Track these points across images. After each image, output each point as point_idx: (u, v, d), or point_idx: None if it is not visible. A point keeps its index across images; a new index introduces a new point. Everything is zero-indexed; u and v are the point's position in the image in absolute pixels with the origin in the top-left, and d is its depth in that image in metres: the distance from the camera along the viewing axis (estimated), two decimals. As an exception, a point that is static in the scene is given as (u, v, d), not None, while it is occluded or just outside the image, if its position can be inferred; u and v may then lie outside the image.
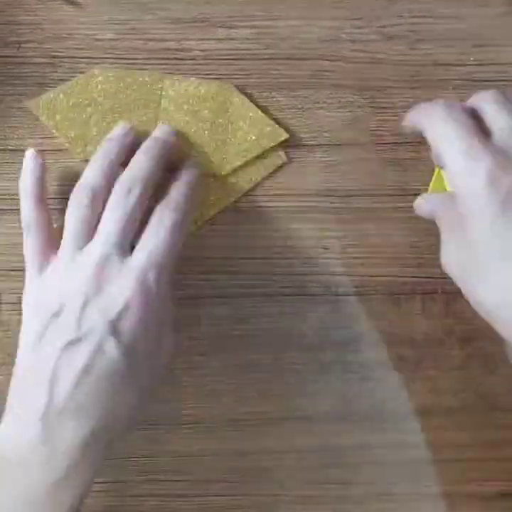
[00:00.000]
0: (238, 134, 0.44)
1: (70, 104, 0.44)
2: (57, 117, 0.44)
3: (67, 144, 0.45)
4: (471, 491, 0.46)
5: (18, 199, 0.45)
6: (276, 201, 0.45)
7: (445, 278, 0.37)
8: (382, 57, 0.45)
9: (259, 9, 0.45)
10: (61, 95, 0.44)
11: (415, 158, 0.45)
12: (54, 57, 0.45)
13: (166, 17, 0.45)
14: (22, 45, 0.44)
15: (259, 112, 0.44)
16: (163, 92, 0.44)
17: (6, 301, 0.45)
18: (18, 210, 0.45)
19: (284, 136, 0.45)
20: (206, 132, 0.44)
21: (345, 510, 0.46)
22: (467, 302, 0.35)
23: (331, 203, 0.45)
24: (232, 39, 0.45)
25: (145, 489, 0.46)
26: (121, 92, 0.44)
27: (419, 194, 0.45)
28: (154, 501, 0.46)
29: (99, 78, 0.44)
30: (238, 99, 0.44)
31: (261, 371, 0.46)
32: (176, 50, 0.45)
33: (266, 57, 0.45)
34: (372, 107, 0.45)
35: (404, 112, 0.45)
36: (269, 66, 0.45)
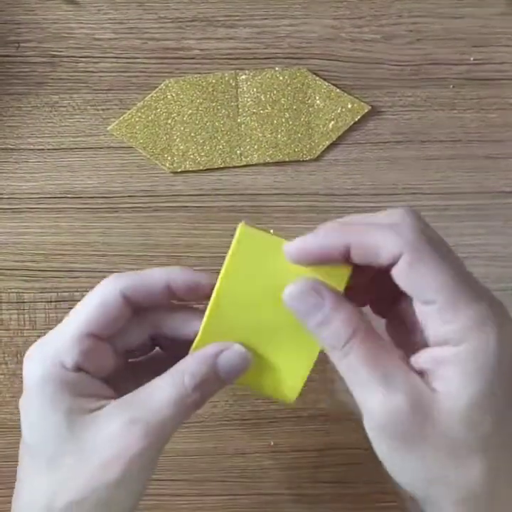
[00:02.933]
0: (321, 115, 0.45)
1: (149, 119, 0.45)
2: (139, 136, 0.45)
3: (154, 160, 0.45)
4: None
5: (18, 198, 0.45)
6: (275, 201, 0.46)
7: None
8: (382, 56, 0.45)
9: (259, 8, 0.45)
10: (139, 113, 0.45)
11: (415, 157, 0.45)
12: (53, 56, 0.45)
13: (166, 16, 0.45)
14: (21, 45, 0.44)
15: (338, 90, 0.45)
16: (239, 89, 0.45)
17: (6, 300, 0.45)
18: (18, 208, 0.45)
19: (367, 108, 0.45)
20: (289, 121, 0.45)
21: (343, 510, 0.46)
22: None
23: (331, 202, 0.45)
24: (231, 38, 0.45)
25: (144, 488, 0.46)
26: (198, 97, 0.45)
27: (418, 193, 0.46)
28: (153, 501, 0.46)
29: (174, 88, 0.45)
30: (315, 81, 0.45)
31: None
32: (176, 49, 0.45)
33: (266, 56, 0.45)
34: (372, 106, 0.45)
35: (404, 111, 0.45)
36: (268, 65, 0.45)
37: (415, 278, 0.25)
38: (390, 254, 0.25)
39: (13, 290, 0.45)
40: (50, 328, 0.45)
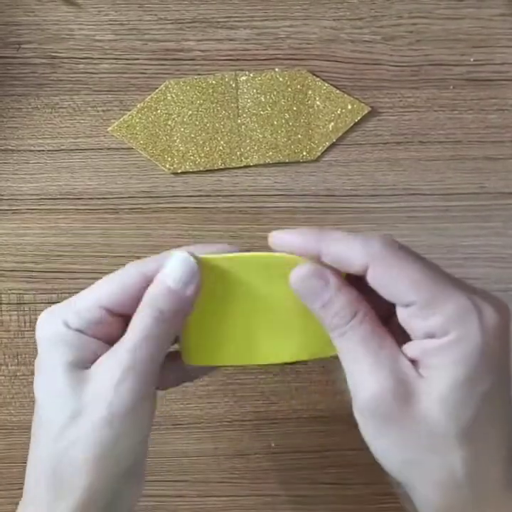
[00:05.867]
0: (321, 116, 0.45)
1: (149, 121, 0.45)
2: (140, 137, 0.45)
3: (154, 161, 0.45)
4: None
5: (18, 199, 0.45)
6: (275, 202, 0.46)
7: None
8: (382, 57, 0.45)
9: (259, 9, 0.45)
10: (139, 114, 0.45)
11: (415, 158, 0.45)
12: (53, 57, 0.45)
13: (166, 17, 0.45)
14: (21, 46, 0.44)
15: (338, 91, 0.45)
16: (239, 90, 0.45)
17: (6, 301, 0.45)
18: (18, 210, 0.45)
19: (366, 109, 0.45)
20: (289, 122, 0.45)
21: (343, 510, 0.46)
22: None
23: (331, 202, 0.45)
24: (231, 39, 0.45)
25: (144, 489, 0.46)
26: (198, 98, 0.45)
27: (418, 194, 0.46)
28: (153, 502, 0.46)
29: (174, 89, 0.45)
30: (315, 82, 0.45)
31: (261, 372, 0.46)
32: (176, 50, 0.45)
33: (266, 57, 0.45)
34: (372, 107, 0.45)
35: (404, 112, 0.45)
36: (268, 66, 0.45)
37: (388, 283, 0.27)
38: (359, 262, 0.27)
39: (13, 291, 0.45)
40: (51, 329, 0.46)
